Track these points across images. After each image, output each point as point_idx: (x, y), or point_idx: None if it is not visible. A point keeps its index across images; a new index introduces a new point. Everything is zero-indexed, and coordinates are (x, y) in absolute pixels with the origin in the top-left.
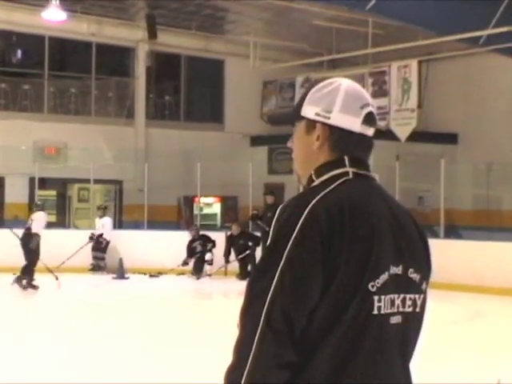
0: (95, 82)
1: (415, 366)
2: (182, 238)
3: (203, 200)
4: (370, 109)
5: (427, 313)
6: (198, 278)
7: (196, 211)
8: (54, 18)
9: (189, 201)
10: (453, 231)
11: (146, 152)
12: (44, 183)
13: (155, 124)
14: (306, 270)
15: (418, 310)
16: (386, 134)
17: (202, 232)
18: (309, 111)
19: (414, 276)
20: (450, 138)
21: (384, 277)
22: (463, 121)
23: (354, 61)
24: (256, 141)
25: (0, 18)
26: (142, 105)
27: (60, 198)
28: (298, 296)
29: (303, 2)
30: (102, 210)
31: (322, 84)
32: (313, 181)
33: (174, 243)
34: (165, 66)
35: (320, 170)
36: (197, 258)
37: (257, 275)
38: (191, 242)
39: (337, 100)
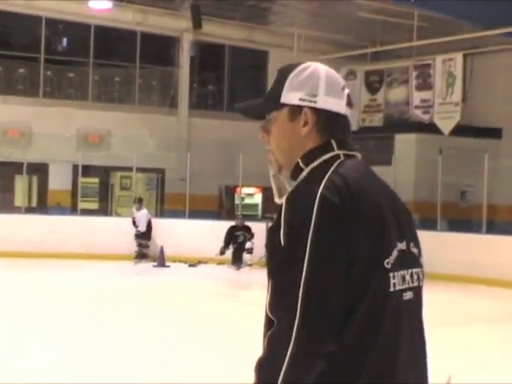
0: (139, 70)
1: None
2: (223, 227)
3: (244, 190)
4: (347, 90)
5: (478, 309)
6: (237, 269)
7: (237, 201)
8: (99, 7)
9: (230, 191)
10: (495, 227)
11: (189, 141)
12: (87, 171)
13: (198, 113)
14: (333, 254)
15: (421, 284)
16: (430, 128)
17: (245, 223)
18: (291, 97)
19: (415, 250)
20: (494, 133)
21: (395, 253)
22: (507, 115)
23: (398, 53)
24: None
25: (47, 7)
26: (185, 94)
27: (102, 186)
28: (330, 281)
29: None
30: (138, 204)
31: (297, 69)
32: (300, 169)
33: (214, 233)
34: (208, 56)
35: (308, 157)
36: (235, 247)
37: (282, 268)
38: (233, 229)
39: (320, 83)
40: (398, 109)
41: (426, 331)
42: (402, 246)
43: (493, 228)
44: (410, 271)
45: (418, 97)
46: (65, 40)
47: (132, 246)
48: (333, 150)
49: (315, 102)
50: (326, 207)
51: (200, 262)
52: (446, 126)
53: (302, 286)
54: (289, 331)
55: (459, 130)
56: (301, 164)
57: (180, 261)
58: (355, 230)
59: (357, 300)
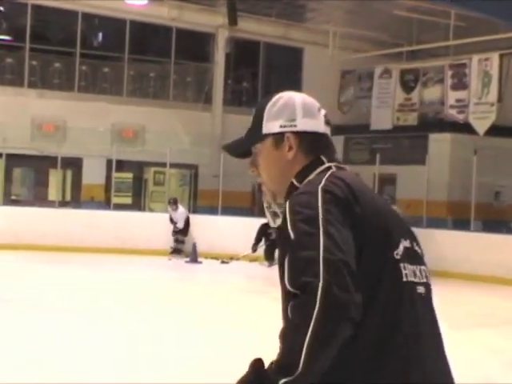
0: (174, 66)
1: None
2: (256, 224)
3: None
4: (323, 110)
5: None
6: (269, 266)
7: None
8: (135, 2)
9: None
10: None
11: (222, 137)
12: (121, 165)
13: (232, 110)
14: (344, 229)
15: (430, 281)
16: (465, 128)
17: None
18: (272, 126)
19: (418, 249)
20: None
21: (401, 247)
22: None
23: (434, 52)
24: (333, 130)
25: (83, 2)
26: (219, 90)
27: (136, 181)
28: (347, 250)
29: None
30: (174, 205)
31: (272, 100)
32: (295, 187)
33: (247, 229)
34: (244, 53)
35: (302, 174)
36: (268, 244)
37: (296, 247)
38: (265, 226)
39: (296, 108)
40: (433, 108)
41: (457, 332)
42: (406, 243)
43: None
44: (418, 267)
45: (453, 96)
46: (100, 35)
47: (165, 241)
48: (323, 163)
49: (295, 125)
50: (330, 197)
51: (232, 259)
52: (481, 126)
53: (321, 254)
54: (315, 294)
55: (494, 130)
56: (295, 183)
57: (212, 257)
58: (360, 221)
59: (374, 286)
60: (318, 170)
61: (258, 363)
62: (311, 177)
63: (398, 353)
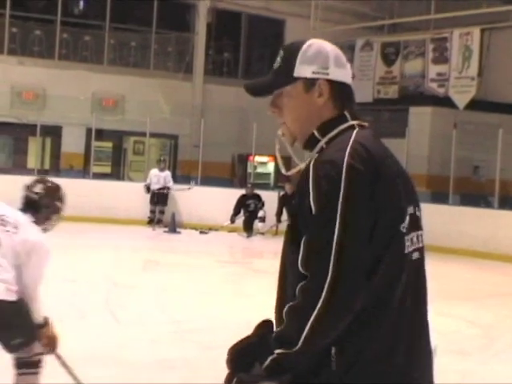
0: (155, 36)
1: None
2: (235, 195)
3: (257, 159)
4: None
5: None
6: (248, 236)
7: (250, 170)
8: None
9: (243, 159)
10: (507, 202)
11: (203, 108)
12: (100, 134)
13: (213, 80)
14: (362, 217)
15: (423, 244)
16: (445, 101)
17: (255, 191)
18: (304, 71)
19: (419, 214)
20: (509, 108)
21: (407, 218)
22: None
23: (415, 26)
24: None
25: None
26: (200, 61)
27: (116, 150)
28: (360, 242)
29: None
30: (164, 163)
31: (305, 45)
32: (316, 139)
33: (226, 200)
34: (225, 23)
35: (325, 128)
36: (247, 215)
37: (315, 230)
38: (243, 197)
39: (330, 56)
40: (414, 81)
41: (436, 304)
42: (411, 209)
43: (505, 203)
44: (416, 233)
45: (433, 70)
46: (81, 3)
47: (144, 211)
48: (347, 120)
49: (327, 73)
50: (354, 175)
51: (211, 229)
52: (461, 100)
53: (334, 245)
54: (322, 285)
55: (474, 105)
56: (316, 135)
57: (191, 228)
58: (379, 195)
59: (377, 262)
60: (342, 127)
61: (265, 325)
62: (333, 133)
63: (390, 323)
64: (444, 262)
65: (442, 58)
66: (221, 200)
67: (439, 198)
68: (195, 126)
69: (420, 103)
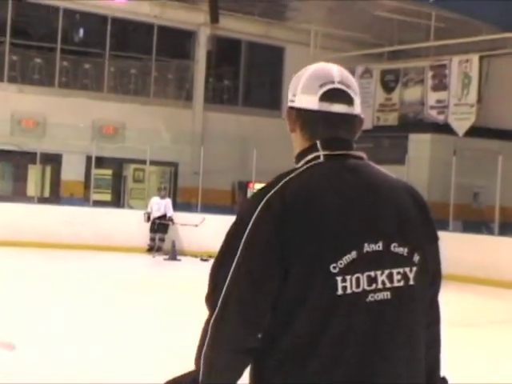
0: (155, 63)
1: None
2: None
3: (257, 186)
4: (332, 86)
5: (490, 310)
6: None
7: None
8: None
9: (243, 186)
10: (508, 229)
11: (203, 135)
12: (101, 162)
13: (213, 108)
14: (262, 260)
15: (411, 283)
16: (444, 128)
17: None
18: (288, 98)
19: (400, 250)
20: (509, 135)
21: (350, 256)
22: None
23: (414, 53)
24: None
25: None
26: (200, 88)
27: (116, 178)
28: (254, 285)
29: None
30: (165, 191)
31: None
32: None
33: (227, 227)
34: (225, 51)
35: (297, 158)
36: None
37: (217, 263)
38: None
39: (301, 81)
40: (413, 109)
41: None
42: (374, 247)
43: (505, 230)
44: (388, 271)
45: (433, 97)
46: (82, 31)
47: (144, 239)
48: (317, 150)
49: (294, 101)
50: (266, 211)
51: (211, 257)
52: (460, 126)
53: (226, 283)
54: (207, 326)
55: (474, 132)
56: (294, 164)
57: (191, 255)
58: (294, 236)
59: (298, 304)
60: (308, 157)
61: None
62: (300, 163)
63: (319, 359)
64: (443, 289)
65: (441, 85)
66: (221, 227)
67: (440, 224)
68: (195, 154)
69: (419, 130)
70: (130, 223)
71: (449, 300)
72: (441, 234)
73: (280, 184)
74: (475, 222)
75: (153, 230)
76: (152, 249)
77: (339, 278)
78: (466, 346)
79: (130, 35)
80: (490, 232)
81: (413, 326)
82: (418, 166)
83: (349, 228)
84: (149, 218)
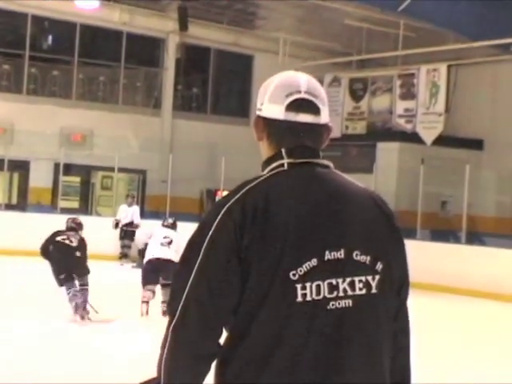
0: (124, 70)
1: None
2: None
3: (225, 194)
4: (299, 96)
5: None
6: None
7: None
8: (86, 6)
9: (211, 194)
10: (475, 237)
11: (172, 143)
12: (69, 169)
13: (182, 115)
14: (221, 267)
15: (374, 291)
16: (412, 137)
17: None
18: (256, 107)
19: (362, 258)
20: (476, 144)
21: (310, 264)
22: (490, 127)
23: (383, 62)
24: None
25: (33, 4)
26: (169, 96)
27: (84, 185)
28: (213, 292)
29: (335, 1)
30: (132, 198)
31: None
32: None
33: None
34: (194, 59)
35: (263, 166)
36: None
37: (179, 270)
38: None
39: (268, 91)
40: (382, 117)
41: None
42: (336, 254)
43: (472, 239)
44: (349, 279)
45: (401, 106)
46: (50, 38)
47: (112, 246)
48: (282, 158)
49: (261, 110)
50: (226, 219)
51: None
52: (428, 135)
53: (186, 290)
54: (167, 331)
55: (441, 140)
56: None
57: None
58: (253, 244)
59: (257, 309)
60: (273, 165)
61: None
62: (265, 171)
63: (278, 364)
64: (412, 298)
65: (409, 93)
66: (189, 235)
67: (407, 233)
68: (164, 161)
69: (388, 139)
70: (97, 230)
71: (416, 309)
72: (408, 243)
73: (242, 191)
74: (443, 231)
75: (121, 237)
76: (124, 256)
77: (299, 286)
78: (432, 353)
79: (98, 42)
80: (458, 241)
81: (375, 334)
82: (386, 175)
83: (310, 235)
84: (117, 225)
